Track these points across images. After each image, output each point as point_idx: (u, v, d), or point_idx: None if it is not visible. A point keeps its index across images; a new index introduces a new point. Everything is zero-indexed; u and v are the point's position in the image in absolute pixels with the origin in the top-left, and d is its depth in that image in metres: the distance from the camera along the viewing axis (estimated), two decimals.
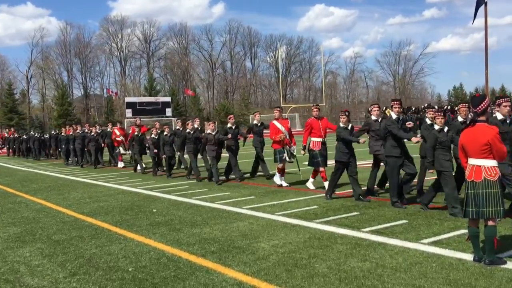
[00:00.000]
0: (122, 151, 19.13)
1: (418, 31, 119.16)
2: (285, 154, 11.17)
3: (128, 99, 54.19)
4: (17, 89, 73.42)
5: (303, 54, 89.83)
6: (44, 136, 27.46)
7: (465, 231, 5.97)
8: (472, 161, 5.10)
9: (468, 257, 5.23)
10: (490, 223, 5.00)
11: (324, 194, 9.40)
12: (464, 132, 5.22)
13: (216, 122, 15.91)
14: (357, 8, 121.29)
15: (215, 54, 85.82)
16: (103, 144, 19.69)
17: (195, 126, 13.96)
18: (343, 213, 7.91)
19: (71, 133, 21.71)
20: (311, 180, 10.82)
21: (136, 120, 18.61)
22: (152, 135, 15.12)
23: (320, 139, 10.37)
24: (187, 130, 13.55)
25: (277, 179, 11.38)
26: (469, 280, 4.57)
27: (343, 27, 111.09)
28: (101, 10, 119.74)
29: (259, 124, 13.10)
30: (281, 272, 5.04)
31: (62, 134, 22.59)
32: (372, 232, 6.56)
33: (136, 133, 16.36)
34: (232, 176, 12.90)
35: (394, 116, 8.34)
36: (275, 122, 11.41)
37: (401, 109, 8.74)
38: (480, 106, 5.12)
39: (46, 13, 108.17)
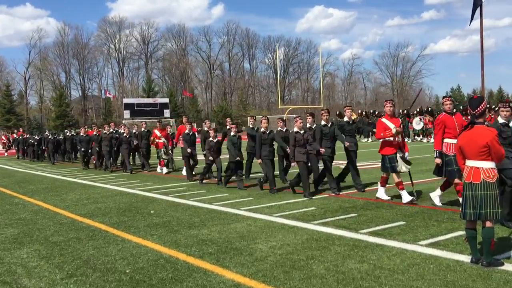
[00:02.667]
0: (164, 155, 16.55)
1: (417, 32, 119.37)
2: (399, 162, 8.81)
3: (126, 100, 54.10)
4: (15, 90, 73.27)
5: (301, 55, 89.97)
6: (59, 137, 24.57)
7: (463, 232, 5.98)
8: (470, 163, 5.10)
9: (466, 258, 5.23)
10: (488, 224, 5.01)
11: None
12: (462, 134, 5.23)
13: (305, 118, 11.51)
14: (356, 9, 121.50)
15: (213, 55, 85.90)
16: (133, 146, 17.29)
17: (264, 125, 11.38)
18: (341, 214, 7.92)
19: (94, 133, 19.05)
20: (438, 192, 8.44)
21: (184, 118, 16.34)
22: (211, 138, 12.54)
23: (455, 141, 7.37)
24: (262, 130, 11.10)
25: (382, 193, 9.21)
26: (466, 282, 4.57)
27: (342, 29, 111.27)
28: (100, 11, 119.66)
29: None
30: (278, 274, 5.04)
31: (82, 134, 19.95)
32: (370, 233, 6.56)
33: (187, 131, 14.00)
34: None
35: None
36: (384, 120, 9.07)
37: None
38: (478, 108, 5.14)
39: (45, 14, 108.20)
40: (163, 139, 16.65)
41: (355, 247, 5.91)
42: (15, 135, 33.08)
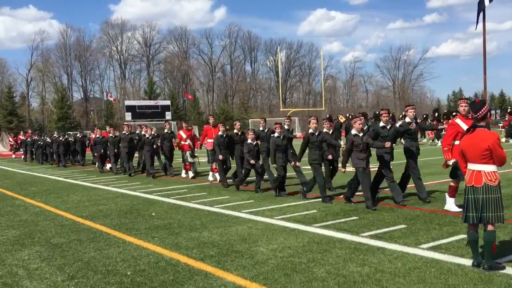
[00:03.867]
0: (189, 158, 15.12)
1: (419, 35, 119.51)
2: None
3: (127, 103, 54.21)
4: (17, 92, 73.38)
5: (303, 58, 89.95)
6: (70, 139, 23.41)
7: (464, 236, 5.98)
8: (472, 166, 5.10)
9: (467, 262, 5.22)
10: (490, 228, 5.00)
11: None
12: (464, 137, 5.22)
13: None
14: (358, 12, 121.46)
15: (215, 58, 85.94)
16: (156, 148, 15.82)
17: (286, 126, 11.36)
18: (342, 217, 7.91)
19: (110, 135, 18.01)
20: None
21: (210, 118, 15.03)
22: (250, 141, 11.18)
23: None
24: (310, 131, 9.84)
25: (452, 205, 8.14)
26: (468, 286, 4.56)
27: (344, 32, 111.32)
28: (102, 14, 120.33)
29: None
30: (279, 277, 5.03)
31: (97, 136, 18.90)
32: (371, 236, 6.56)
33: (221, 133, 12.42)
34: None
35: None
36: (458, 120, 7.97)
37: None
38: (480, 112, 5.14)
39: (48, 16, 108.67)
40: (188, 141, 15.28)
41: (356, 250, 5.90)
42: (21, 137, 31.78)
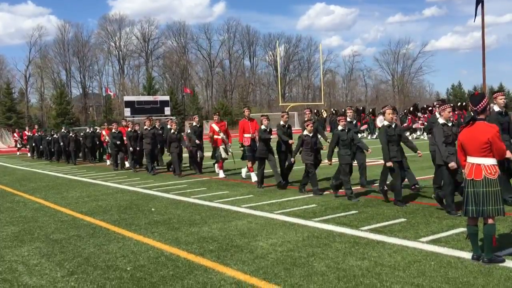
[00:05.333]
0: (223, 154, 13.51)
1: (418, 29, 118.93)
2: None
3: (126, 98, 54.10)
4: (16, 88, 73.22)
5: (302, 52, 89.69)
6: (80, 135, 22.18)
7: (463, 229, 5.98)
8: (471, 159, 5.09)
9: (467, 255, 5.23)
10: (490, 221, 5.00)
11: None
12: (464, 130, 5.21)
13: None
14: (357, 6, 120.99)
15: (213, 52, 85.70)
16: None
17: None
18: (342, 211, 7.91)
19: (129, 129, 16.63)
20: None
21: (245, 110, 13.13)
22: (306, 132, 9.93)
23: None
24: (386, 123, 8.51)
25: None
26: (467, 279, 4.57)
27: (344, 26, 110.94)
28: (101, 9, 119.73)
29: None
30: (279, 271, 5.04)
31: (113, 131, 17.61)
32: (371, 230, 6.56)
33: (263, 127, 11.05)
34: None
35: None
36: None
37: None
38: (479, 105, 5.13)
39: (46, 12, 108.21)
40: (222, 135, 13.56)
41: (356, 244, 5.90)
42: (27, 133, 30.03)
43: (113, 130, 17.67)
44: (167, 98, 55.33)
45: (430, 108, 30.75)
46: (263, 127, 11.02)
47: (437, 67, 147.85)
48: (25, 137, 30.29)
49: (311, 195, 9.63)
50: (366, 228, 6.71)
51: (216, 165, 14.11)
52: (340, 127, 9.24)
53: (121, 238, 6.83)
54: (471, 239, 5.15)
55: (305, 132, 9.81)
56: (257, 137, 11.63)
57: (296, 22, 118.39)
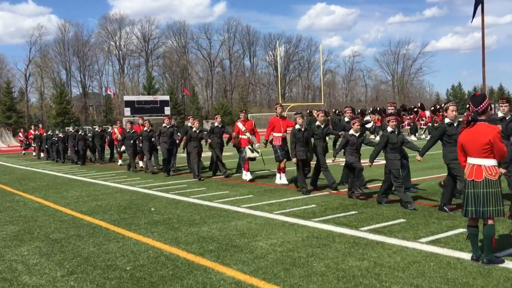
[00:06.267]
0: (249, 153, 12.41)
1: (419, 30, 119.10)
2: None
3: (126, 98, 54.07)
4: (16, 88, 73.28)
5: (302, 52, 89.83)
6: (88, 134, 21.16)
7: (463, 230, 5.98)
8: (472, 160, 5.09)
9: (466, 256, 5.23)
10: (490, 222, 5.00)
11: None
12: (464, 131, 5.21)
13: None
14: (358, 7, 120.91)
15: (213, 52, 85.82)
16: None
17: None
18: (341, 212, 7.91)
19: (145, 128, 15.56)
20: None
21: (277, 107, 12.04)
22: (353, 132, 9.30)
23: None
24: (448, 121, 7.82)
25: None
26: (467, 279, 4.57)
27: (344, 26, 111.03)
28: (101, 8, 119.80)
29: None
30: (279, 271, 5.04)
31: (127, 130, 16.74)
32: (370, 231, 6.56)
33: (298, 127, 10.02)
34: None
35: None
36: None
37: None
38: (480, 106, 5.12)
39: (47, 11, 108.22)
40: (248, 134, 12.62)
41: (355, 245, 5.91)
42: (32, 132, 28.98)
43: (128, 130, 16.72)
44: (167, 98, 55.31)
45: (416, 109, 30.86)
46: (297, 126, 10.04)
47: (437, 68, 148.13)
48: (31, 136, 29.50)
49: (311, 195, 9.63)
50: (365, 228, 6.71)
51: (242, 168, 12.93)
52: (389, 129, 8.36)
53: (121, 237, 6.83)
54: (471, 240, 5.15)
55: (351, 132, 9.23)
56: (288, 137, 11.08)
57: (297, 22, 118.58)
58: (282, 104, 15.51)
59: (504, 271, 4.76)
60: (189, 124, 14.52)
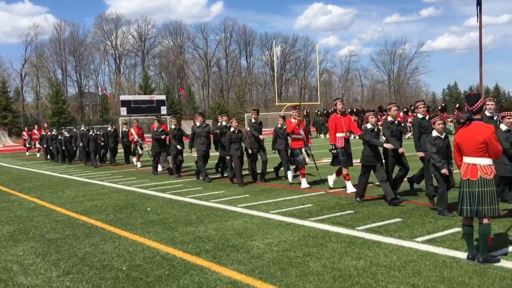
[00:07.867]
0: (307, 159, 10.93)
1: (415, 29, 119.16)
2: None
3: (122, 97, 53.86)
4: (11, 87, 72.92)
5: (299, 52, 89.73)
6: (98, 133, 19.73)
7: (459, 229, 6.00)
8: (467, 159, 5.10)
9: (462, 255, 5.24)
10: (485, 221, 5.01)
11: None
12: (460, 131, 5.22)
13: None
14: (355, 6, 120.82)
15: (210, 52, 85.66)
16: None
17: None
18: (338, 211, 7.92)
19: (174, 127, 14.13)
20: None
21: (337, 103, 10.28)
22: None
23: None
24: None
25: None
26: (462, 278, 4.58)
27: (341, 26, 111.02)
28: (98, 8, 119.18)
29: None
30: (275, 271, 5.03)
31: (155, 129, 15.19)
32: (367, 230, 6.57)
33: (370, 126, 8.76)
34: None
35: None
36: None
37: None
38: (475, 105, 5.13)
39: (43, 11, 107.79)
40: (302, 133, 11.23)
41: (351, 244, 5.91)
42: (36, 132, 27.82)
43: (155, 128, 15.23)
44: (163, 97, 55.13)
45: (405, 110, 30.93)
46: (369, 126, 8.77)
47: (433, 68, 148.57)
48: (34, 136, 28.37)
49: (307, 194, 9.63)
50: (362, 228, 6.72)
51: (289, 172, 11.55)
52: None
53: (117, 237, 6.81)
54: (466, 239, 5.16)
55: (434, 134, 7.42)
56: (351, 137, 10.23)
57: (294, 22, 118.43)
58: (279, 103, 15.12)
59: (500, 270, 4.77)
60: (224, 123, 12.73)
